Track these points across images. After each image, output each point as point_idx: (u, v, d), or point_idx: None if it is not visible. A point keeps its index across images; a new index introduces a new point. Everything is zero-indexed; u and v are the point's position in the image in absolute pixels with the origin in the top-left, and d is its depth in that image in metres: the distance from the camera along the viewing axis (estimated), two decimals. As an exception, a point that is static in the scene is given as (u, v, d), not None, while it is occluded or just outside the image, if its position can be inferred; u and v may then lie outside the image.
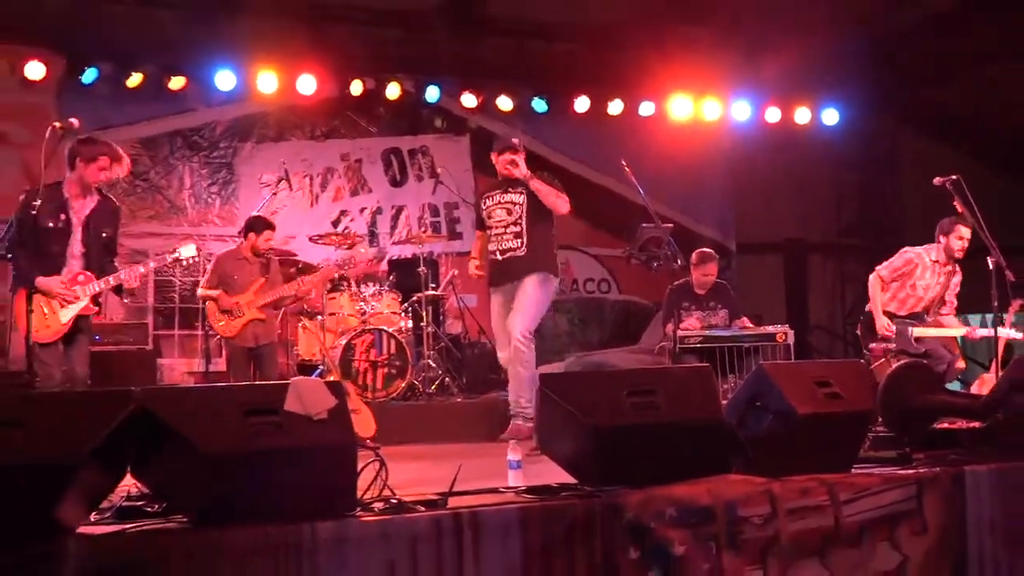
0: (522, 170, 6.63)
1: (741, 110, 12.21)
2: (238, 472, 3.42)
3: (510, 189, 6.80)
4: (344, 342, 8.56)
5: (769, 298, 12.49)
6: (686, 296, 8.63)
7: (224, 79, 10.38)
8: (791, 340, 8.12)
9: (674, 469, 4.05)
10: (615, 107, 11.78)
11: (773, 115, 12.31)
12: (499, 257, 6.73)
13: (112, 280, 6.15)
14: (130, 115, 10.54)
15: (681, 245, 8.07)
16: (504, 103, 11.48)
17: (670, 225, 8.22)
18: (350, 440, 3.69)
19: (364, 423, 7.47)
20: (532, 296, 6.63)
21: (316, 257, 9.83)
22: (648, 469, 4.01)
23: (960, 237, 7.71)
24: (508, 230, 6.73)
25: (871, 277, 7.91)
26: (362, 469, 3.75)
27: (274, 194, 9.60)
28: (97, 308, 6.19)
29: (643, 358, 9.61)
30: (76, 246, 6.11)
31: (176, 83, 10.28)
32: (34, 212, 5.74)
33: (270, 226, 8.10)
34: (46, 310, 5.95)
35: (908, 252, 7.92)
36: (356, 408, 7.47)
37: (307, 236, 10.18)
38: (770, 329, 8.29)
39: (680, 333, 8.09)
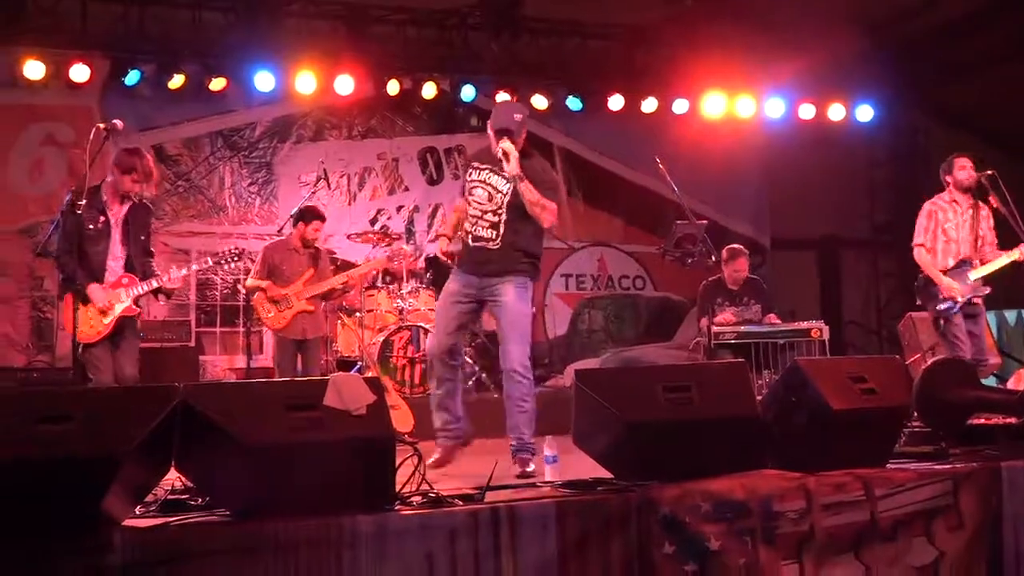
0: (512, 167, 5.43)
1: (775, 107, 12.12)
2: (279, 466, 3.44)
3: (498, 170, 5.59)
4: (382, 338, 8.59)
5: (803, 294, 12.39)
6: (720, 292, 8.60)
7: (264, 80, 10.43)
8: (826, 336, 8.08)
9: (709, 464, 4.04)
10: (649, 105, 11.72)
11: (807, 112, 12.20)
12: (470, 242, 5.60)
13: (154, 283, 6.23)
14: (172, 116, 10.63)
15: (715, 241, 8.03)
16: (539, 101, 11.45)
17: (704, 222, 8.18)
18: (389, 435, 3.70)
19: (402, 418, 7.50)
20: (518, 316, 5.54)
21: (355, 255, 9.87)
22: (683, 464, 4.00)
23: (962, 167, 7.34)
24: (485, 217, 5.57)
25: (915, 253, 7.59)
26: (400, 463, 3.77)
27: (313, 193, 9.63)
28: (139, 309, 6.26)
29: (678, 354, 9.58)
30: (116, 248, 6.18)
31: (217, 84, 10.33)
32: (79, 212, 5.81)
33: (319, 216, 8.03)
34: (90, 312, 6.03)
35: (924, 207, 7.64)
36: (394, 404, 7.52)
37: (345, 234, 10.23)
38: (805, 325, 8.25)
39: (714, 329, 8.06)
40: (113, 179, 6.13)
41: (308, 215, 7.96)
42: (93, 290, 6.05)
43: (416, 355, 8.59)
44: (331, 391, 3.63)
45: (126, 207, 6.21)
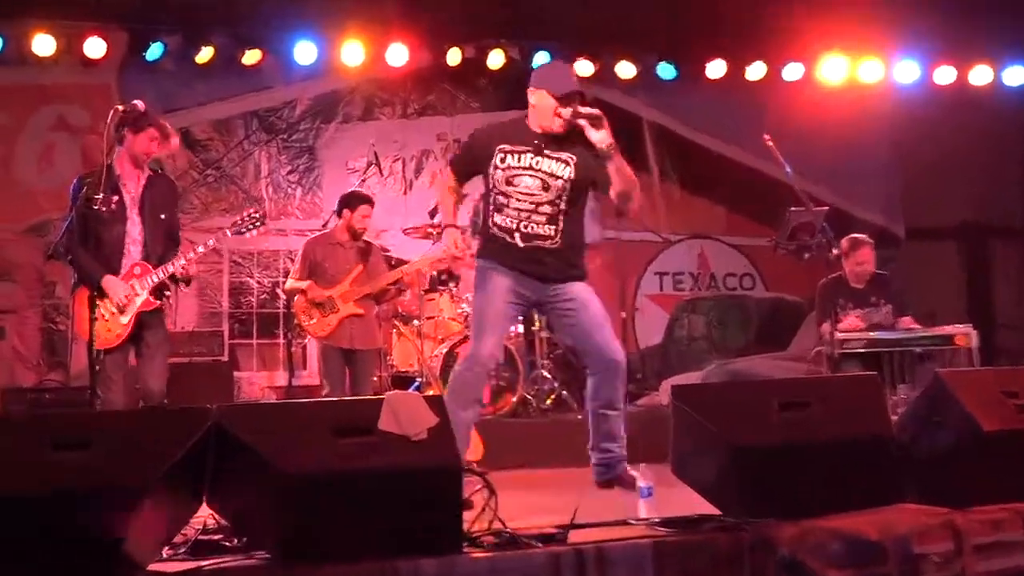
0: (605, 135, 5.36)
1: (907, 71, 11.94)
2: (327, 500, 3.46)
3: (550, 152, 5.52)
4: (445, 350, 8.62)
5: (945, 293, 12.18)
6: (842, 291, 8.49)
7: (304, 52, 10.52)
8: (974, 343, 7.92)
9: (835, 497, 4.00)
10: (756, 71, 11.61)
11: (945, 76, 12.00)
12: (518, 242, 5.54)
13: (169, 268, 6.21)
14: (200, 95, 10.77)
15: (837, 231, 7.94)
16: (625, 70, 11.40)
17: (824, 208, 8.09)
18: (454, 464, 3.70)
19: (471, 444, 7.51)
20: (600, 306, 5.67)
21: (412, 253, 9.91)
22: (804, 497, 3.96)
23: None
24: (540, 210, 5.51)
25: None
26: (469, 498, 3.76)
27: (362, 181, 9.72)
28: (159, 302, 6.25)
29: (795, 366, 9.48)
30: (134, 230, 6.21)
31: (251, 58, 10.44)
32: (89, 201, 5.87)
33: (366, 199, 8.04)
34: (104, 312, 6.05)
35: None
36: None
37: (400, 228, 10.28)
38: (948, 330, 8.11)
39: (839, 335, 7.96)
40: (127, 147, 6.18)
41: (353, 200, 8.00)
42: (109, 282, 6.07)
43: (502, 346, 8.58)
44: (386, 413, 3.64)
45: (143, 180, 6.27)
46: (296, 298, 7.95)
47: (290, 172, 11.20)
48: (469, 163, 5.82)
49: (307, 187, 11.22)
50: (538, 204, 5.49)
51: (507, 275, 5.55)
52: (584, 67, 11.22)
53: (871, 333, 8.14)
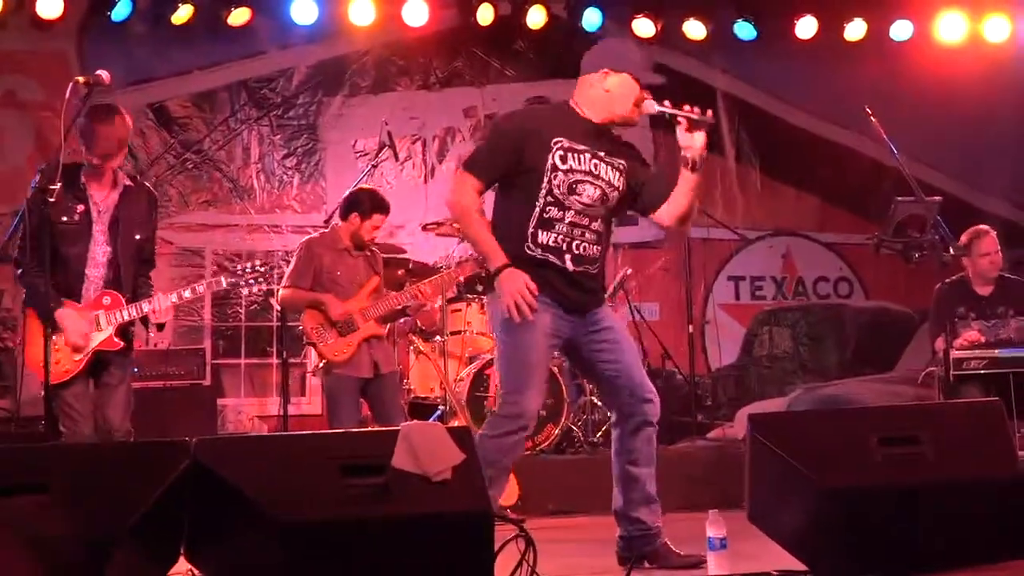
0: (702, 139, 5.21)
1: (1042, 28, 11.91)
2: (332, 553, 3.49)
3: (607, 155, 5.38)
4: (473, 371, 8.64)
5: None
6: (963, 298, 8.45)
7: (303, 9, 10.57)
8: (1124, 363, 7.89)
9: (950, 551, 3.99)
10: (855, 30, 11.58)
11: (1089, 33, 11.96)
12: (568, 265, 5.30)
13: (135, 310, 6.20)
14: (177, 63, 10.83)
15: (955, 226, 7.90)
16: (694, 29, 11.40)
17: (938, 198, 8.05)
18: (484, 509, 3.73)
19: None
20: (630, 338, 5.71)
21: (433, 253, 9.96)
22: (911, 551, 3.96)
23: None
24: (592, 226, 5.34)
25: None
26: (500, 549, 3.79)
27: (374, 166, 9.71)
28: (121, 344, 6.22)
29: (901, 390, 9.45)
30: (99, 250, 6.21)
31: (238, 17, 10.48)
32: (51, 201, 5.82)
33: (382, 207, 7.80)
34: (58, 343, 6.03)
35: None
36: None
37: (420, 224, 10.29)
38: (1091, 347, 8.07)
39: (955, 353, 7.93)
40: (93, 144, 6.11)
41: (366, 205, 7.71)
42: (63, 316, 6.04)
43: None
44: (402, 448, 3.67)
45: (116, 191, 6.24)
46: (307, 313, 7.75)
47: (286, 156, 11.24)
48: (506, 161, 5.33)
49: (306, 174, 11.26)
50: (593, 219, 5.31)
51: (548, 310, 5.26)
52: (644, 27, 11.24)
53: (995, 351, 8.10)
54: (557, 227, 5.25)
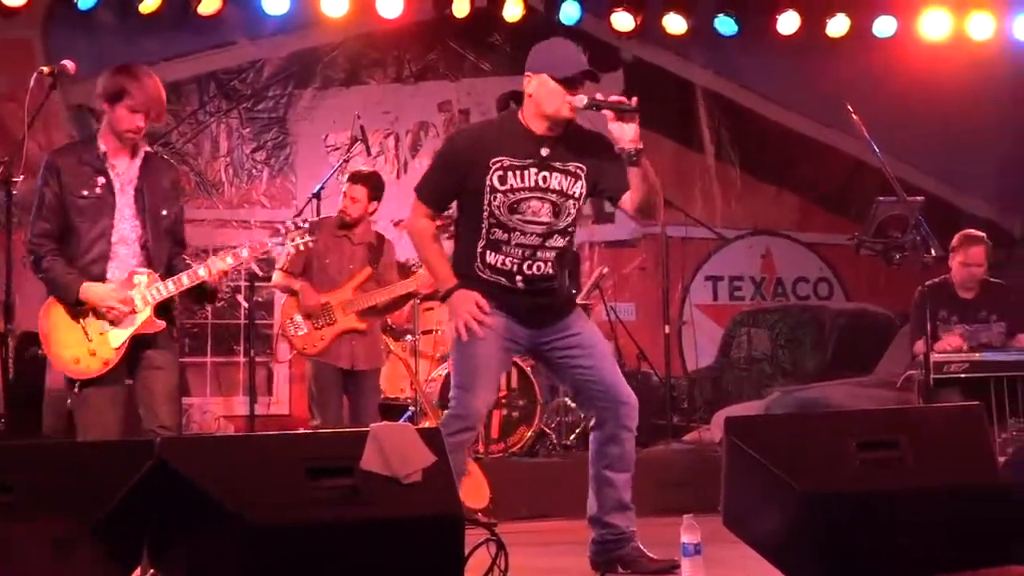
0: (633, 130, 5.18)
1: (1027, 26, 11.97)
2: (297, 555, 3.50)
3: (559, 162, 5.33)
4: (445, 372, 8.65)
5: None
6: (944, 302, 8.49)
7: (274, -1, 10.59)
8: (1105, 367, 7.94)
9: (928, 558, 4.02)
10: (838, 25, 11.61)
11: (1077, 32, 12.02)
12: (519, 285, 5.31)
13: (187, 278, 5.71)
14: (144, 53, 10.71)
15: (937, 227, 7.94)
16: (675, 24, 11.41)
17: (920, 198, 8.10)
18: (455, 512, 3.74)
19: (475, 489, 7.54)
20: (606, 343, 5.72)
21: (405, 250, 9.95)
22: (888, 558, 3.98)
23: None
24: (547, 243, 5.33)
25: None
26: (471, 554, 3.80)
27: (345, 161, 9.72)
28: (164, 325, 5.74)
29: (881, 394, 9.50)
30: (124, 225, 5.74)
31: (208, 6, 10.46)
32: (63, 179, 5.56)
33: (355, 177, 7.87)
34: (90, 330, 5.64)
35: None
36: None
37: (392, 221, 10.32)
38: (1073, 351, 8.13)
39: (935, 357, 7.97)
40: (106, 121, 5.75)
41: (358, 178, 7.84)
42: (89, 289, 5.56)
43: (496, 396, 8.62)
44: (371, 449, 3.68)
45: (138, 161, 5.81)
46: (285, 300, 7.83)
47: (255, 149, 11.24)
48: (450, 185, 5.42)
49: (276, 168, 11.26)
50: (547, 237, 5.30)
51: (499, 316, 5.30)
52: (623, 20, 11.24)
53: (976, 354, 8.14)
54: (504, 248, 5.30)
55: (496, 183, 5.23)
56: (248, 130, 11.22)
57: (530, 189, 5.25)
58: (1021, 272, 11.68)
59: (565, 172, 5.31)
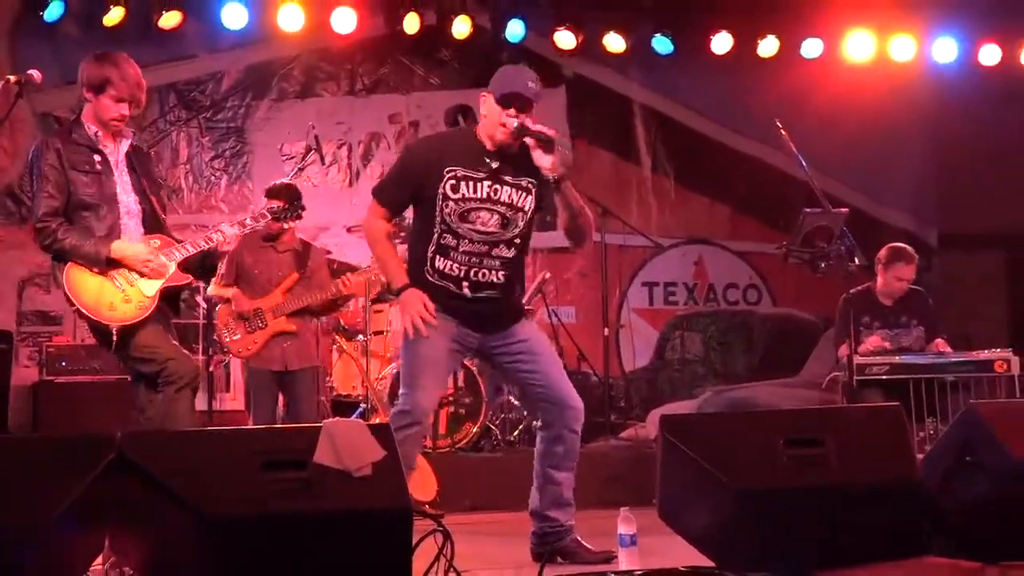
0: (550, 160, 5.20)
1: (944, 49, 12.03)
2: (253, 546, 3.48)
3: (510, 176, 5.35)
4: (395, 371, 8.63)
5: (985, 312, 12.28)
6: (867, 308, 8.55)
7: (233, 15, 10.52)
8: (1016, 370, 8.00)
9: (849, 550, 4.04)
10: (768, 46, 11.67)
11: (990, 55, 12.09)
12: (466, 292, 5.31)
13: (204, 242, 5.76)
14: (107, 64, 10.75)
15: (860, 237, 7.98)
16: (614, 43, 11.44)
17: (845, 210, 8.13)
18: (403, 505, 3.73)
19: (422, 482, 7.53)
20: (553, 349, 5.84)
21: (358, 255, 9.92)
22: (812, 550, 4.00)
23: None
24: (494, 252, 5.33)
25: None
26: (418, 544, 3.79)
27: (300, 169, 9.70)
28: (190, 279, 5.79)
29: (806, 394, 9.55)
30: (127, 197, 5.71)
31: (169, 20, 10.42)
32: (51, 161, 5.46)
33: (285, 193, 7.78)
34: (119, 282, 5.55)
35: None
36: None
37: (344, 227, 10.29)
38: (986, 355, 8.18)
39: (858, 359, 8.02)
40: (91, 110, 5.70)
41: (287, 194, 7.76)
42: (123, 247, 5.51)
43: (443, 394, 8.63)
44: (324, 444, 3.66)
45: (124, 146, 5.80)
46: (219, 308, 7.95)
47: (214, 158, 11.20)
48: (406, 190, 5.44)
49: (234, 175, 11.22)
50: (494, 246, 5.30)
51: (447, 320, 5.32)
52: (565, 39, 11.27)
53: (896, 357, 8.20)
54: (452, 255, 5.30)
55: (449, 191, 5.25)
56: (207, 139, 11.19)
57: (480, 200, 5.27)
58: (938, 279, 11.80)
59: (516, 186, 5.32)
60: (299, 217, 6.84)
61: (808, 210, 8.21)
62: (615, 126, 12.00)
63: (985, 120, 11.86)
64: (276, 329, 7.79)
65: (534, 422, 8.38)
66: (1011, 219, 12.87)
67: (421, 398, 5.31)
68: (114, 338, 5.45)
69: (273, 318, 7.79)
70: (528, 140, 5.19)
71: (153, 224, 5.74)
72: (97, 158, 5.64)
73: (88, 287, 5.48)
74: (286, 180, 8.30)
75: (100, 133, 5.68)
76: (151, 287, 5.58)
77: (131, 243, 5.56)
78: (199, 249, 5.74)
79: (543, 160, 5.17)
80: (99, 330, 5.50)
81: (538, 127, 5.20)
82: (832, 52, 11.84)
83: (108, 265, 5.47)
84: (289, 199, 7.66)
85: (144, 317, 5.51)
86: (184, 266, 5.68)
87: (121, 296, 5.51)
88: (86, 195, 5.56)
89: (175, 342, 5.66)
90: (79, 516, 3.40)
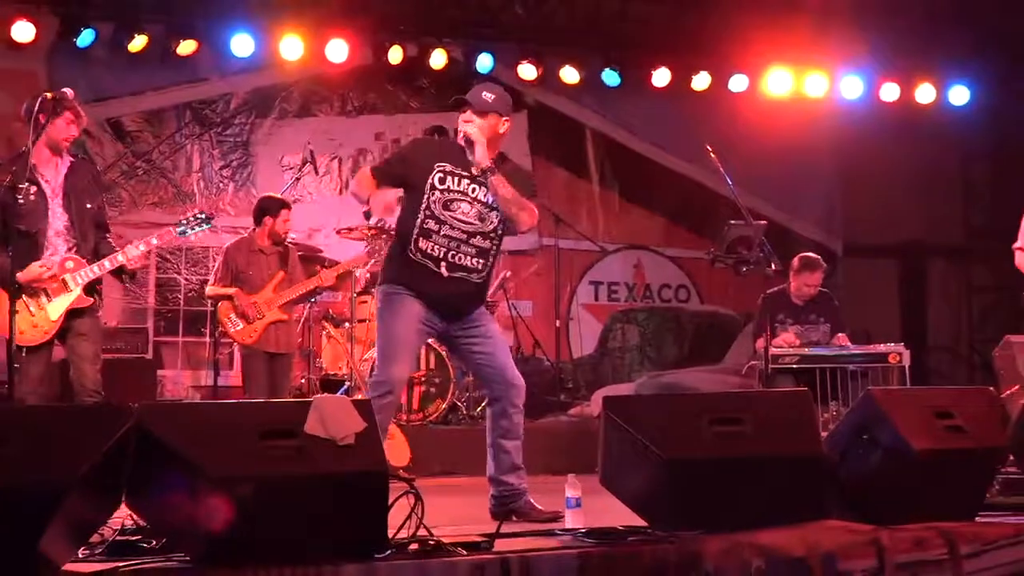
0: (480, 154, 5.25)
1: (851, 86, 12.09)
2: (250, 503, 3.47)
3: (480, 179, 5.37)
4: (375, 354, 8.61)
5: (881, 312, 12.36)
6: (782, 307, 8.59)
7: (241, 44, 10.48)
8: (906, 362, 8.05)
9: (762, 512, 4.06)
10: (700, 81, 11.71)
11: (890, 92, 12.16)
12: (443, 271, 5.29)
13: (108, 263, 5.94)
14: (132, 85, 10.68)
15: (776, 246, 8.02)
16: (569, 75, 11.45)
17: (763, 222, 8.15)
18: (381, 469, 3.73)
19: (397, 450, 7.53)
20: (501, 334, 5.74)
21: (345, 253, 9.89)
22: (732, 512, 4.02)
23: None
24: (471, 241, 5.33)
25: (1016, 258, 7.54)
26: (393, 503, 3.78)
27: (297, 179, 9.69)
28: (92, 300, 5.96)
29: (728, 380, 9.59)
30: (57, 221, 5.93)
31: (186, 48, 10.38)
32: (14, 191, 5.62)
33: (285, 204, 8.21)
34: (32, 307, 5.80)
35: None
36: (388, 432, 7.54)
37: (334, 229, 10.26)
38: (881, 348, 8.24)
39: (773, 351, 8.05)
40: (45, 134, 5.83)
41: (273, 206, 8.16)
42: (27, 274, 5.70)
43: (415, 374, 8.63)
44: (313, 416, 3.65)
45: (63, 168, 5.98)
46: (220, 304, 8.06)
47: (223, 167, 11.15)
48: (401, 172, 5.44)
49: (240, 183, 11.18)
50: (470, 235, 5.31)
51: (418, 303, 5.31)
52: (528, 71, 11.27)
53: (805, 349, 8.25)
54: (434, 237, 5.31)
55: (436, 182, 5.31)
56: (217, 151, 11.14)
57: (461, 194, 5.33)
58: (842, 283, 11.86)
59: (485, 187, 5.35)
60: (205, 226, 6.66)
61: (732, 222, 8.23)
62: (569, 147, 12.02)
63: (885, 148, 11.94)
64: (271, 319, 7.97)
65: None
66: (905, 233, 12.98)
67: (395, 370, 5.34)
68: (23, 354, 5.68)
69: (268, 309, 7.97)
70: (461, 141, 5.32)
71: (84, 243, 5.97)
72: (32, 189, 5.81)
73: (6, 312, 5.56)
74: (270, 194, 8.63)
75: (39, 164, 5.86)
76: (56, 311, 5.84)
77: (32, 266, 5.74)
78: (105, 270, 5.97)
79: (470, 156, 5.29)
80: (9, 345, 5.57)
81: (463, 127, 5.30)
82: (755, 87, 11.89)
83: (16, 287, 5.57)
84: (258, 211, 8.22)
85: (44, 341, 5.82)
86: (87, 288, 5.90)
87: (30, 323, 5.77)
88: (19, 222, 5.69)
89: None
90: (100, 474, 3.39)
